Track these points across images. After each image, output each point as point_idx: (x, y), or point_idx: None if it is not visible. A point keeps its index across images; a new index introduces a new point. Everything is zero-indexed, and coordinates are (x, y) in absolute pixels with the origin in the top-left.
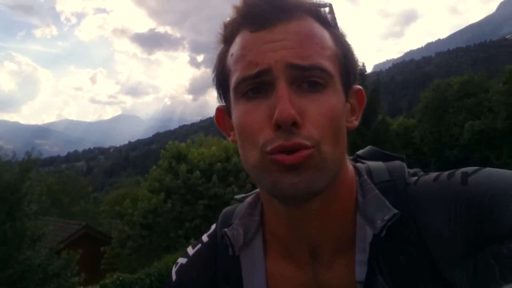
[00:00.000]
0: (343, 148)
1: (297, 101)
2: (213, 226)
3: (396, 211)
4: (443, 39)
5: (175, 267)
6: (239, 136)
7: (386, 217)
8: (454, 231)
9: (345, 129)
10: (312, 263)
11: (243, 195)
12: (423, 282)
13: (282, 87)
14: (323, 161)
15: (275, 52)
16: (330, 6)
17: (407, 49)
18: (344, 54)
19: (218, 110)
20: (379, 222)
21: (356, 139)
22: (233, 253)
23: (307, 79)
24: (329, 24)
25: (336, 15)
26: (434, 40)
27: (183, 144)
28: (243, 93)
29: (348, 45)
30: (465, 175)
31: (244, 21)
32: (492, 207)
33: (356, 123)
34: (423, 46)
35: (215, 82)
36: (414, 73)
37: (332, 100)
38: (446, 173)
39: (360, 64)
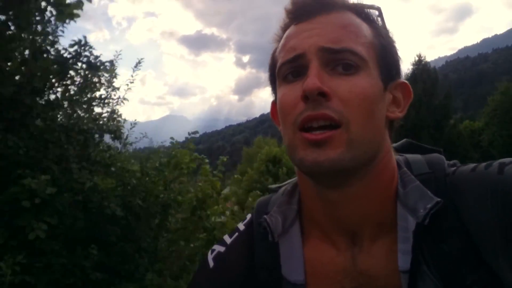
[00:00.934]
0: (377, 132)
1: (329, 80)
2: (249, 216)
3: (439, 199)
4: (500, 35)
5: (211, 253)
6: (280, 118)
7: (429, 205)
8: (491, 220)
9: (381, 114)
10: (352, 249)
11: (277, 185)
12: (468, 270)
13: (313, 66)
14: (352, 141)
15: (310, 38)
16: (379, 9)
17: (461, 46)
18: (383, 46)
19: (272, 103)
20: (421, 210)
21: (428, 142)
22: (273, 239)
23: (340, 62)
24: (371, 19)
25: (385, 18)
26: (490, 36)
27: (277, 149)
28: (284, 76)
29: (391, 40)
30: (502, 165)
31: (291, 18)
32: None
33: (399, 114)
34: (478, 42)
35: (268, 76)
36: (470, 71)
37: (365, 82)
38: (484, 164)
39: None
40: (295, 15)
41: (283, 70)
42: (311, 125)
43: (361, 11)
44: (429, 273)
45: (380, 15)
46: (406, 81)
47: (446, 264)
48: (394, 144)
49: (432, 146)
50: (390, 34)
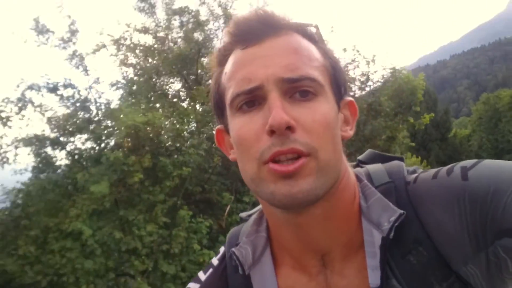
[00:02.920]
0: (340, 155)
1: (290, 109)
2: (222, 248)
3: (401, 211)
4: (455, 41)
5: None
6: (237, 149)
7: (392, 218)
8: (460, 228)
9: (339, 137)
10: (324, 272)
11: (248, 212)
12: (437, 280)
13: (273, 97)
14: (322, 168)
15: (267, 68)
16: (317, 26)
17: (420, 55)
18: (332, 67)
19: (218, 130)
20: (385, 224)
21: (438, 153)
22: (243, 272)
23: (298, 89)
24: (315, 40)
25: (323, 35)
26: (446, 43)
27: None
28: (238, 107)
29: (336, 59)
30: (465, 170)
31: (236, 41)
32: (496, 201)
33: (351, 133)
34: (435, 50)
35: (212, 103)
36: (432, 78)
37: (325, 107)
38: (444, 169)
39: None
40: (241, 39)
41: (238, 101)
42: (279, 158)
43: (305, 32)
44: (398, 285)
45: (318, 32)
46: (351, 98)
47: (414, 275)
48: (359, 156)
49: (440, 155)
50: (334, 53)
